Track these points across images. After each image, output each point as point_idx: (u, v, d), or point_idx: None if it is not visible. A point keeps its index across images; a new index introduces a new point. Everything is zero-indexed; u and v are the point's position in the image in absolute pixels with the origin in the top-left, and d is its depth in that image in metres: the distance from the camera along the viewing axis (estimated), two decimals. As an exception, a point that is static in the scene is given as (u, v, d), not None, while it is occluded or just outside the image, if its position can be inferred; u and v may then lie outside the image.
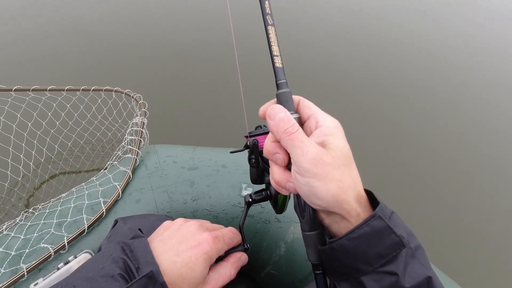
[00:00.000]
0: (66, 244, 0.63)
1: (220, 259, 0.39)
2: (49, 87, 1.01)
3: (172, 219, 0.56)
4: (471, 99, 2.30)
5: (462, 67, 2.60)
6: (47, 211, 0.73)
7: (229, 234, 0.40)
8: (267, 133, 0.38)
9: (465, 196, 1.67)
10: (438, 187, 1.69)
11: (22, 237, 0.66)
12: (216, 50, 2.19)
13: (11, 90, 0.99)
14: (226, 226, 0.73)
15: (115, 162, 0.87)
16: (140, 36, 2.24)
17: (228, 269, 0.38)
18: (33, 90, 1.01)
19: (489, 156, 1.89)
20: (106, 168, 0.88)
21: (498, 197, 1.69)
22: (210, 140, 1.63)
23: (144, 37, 2.24)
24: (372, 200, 0.33)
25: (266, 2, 0.35)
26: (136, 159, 0.80)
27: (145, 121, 0.92)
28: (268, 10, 0.35)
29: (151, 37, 2.25)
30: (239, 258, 0.40)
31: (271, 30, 0.35)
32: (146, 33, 2.28)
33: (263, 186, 0.44)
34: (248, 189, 0.74)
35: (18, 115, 1.13)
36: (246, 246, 0.42)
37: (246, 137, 0.41)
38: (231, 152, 0.45)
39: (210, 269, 0.37)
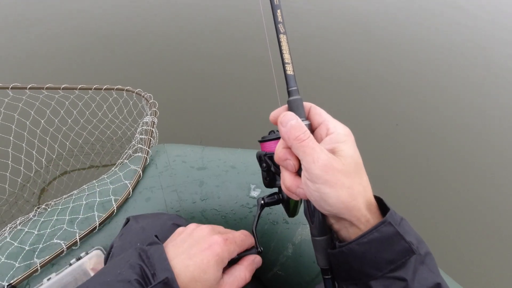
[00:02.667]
0: (78, 240, 0.65)
1: (234, 262, 0.39)
2: (63, 86, 1.03)
3: (183, 218, 0.57)
4: (487, 101, 2.26)
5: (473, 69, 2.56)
6: (60, 207, 0.75)
7: (241, 236, 0.40)
8: (279, 138, 0.38)
9: (470, 196, 1.66)
10: (442, 188, 1.68)
11: (36, 232, 0.68)
12: (228, 49, 2.20)
13: (26, 88, 1.01)
14: (234, 226, 0.74)
15: (126, 161, 0.88)
16: (152, 36, 2.26)
17: (243, 272, 0.38)
18: (47, 88, 1.03)
19: (490, 157, 1.87)
20: (117, 167, 0.89)
21: (502, 197, 1.67)
22: (219, 140, 1.64)
23: (156, 37, 2.26)
24: (382, 206, 0.33)
25: (278, 10, 0.35)
26: (146, 158, 0.81)
27: (155, 120, 0.93)
28: (280, 19, 0.35)
29: (163, 36, 2.27)
30: (253, 261, 0.40)
31: (282, 38, 0.35)
32: (158, 33, 2.30)
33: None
34: (257, 190, 0.75)
35: (32, 112, 1.15)
36: (259, 249, 0.42)
37: (260, 141, 0.41)
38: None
39: (224, 272, 0.37)
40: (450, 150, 1.88)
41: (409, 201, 1.60)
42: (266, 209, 0.73)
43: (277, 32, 0.36)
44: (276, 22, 0.36)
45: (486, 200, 1.66)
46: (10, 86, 1.00)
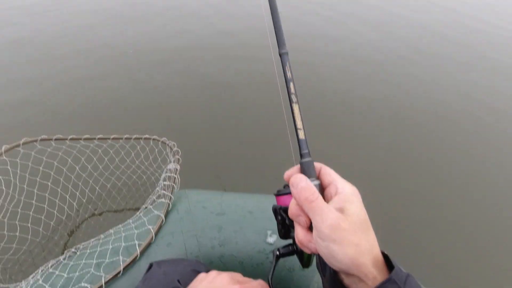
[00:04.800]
0: (103, 284, 0.68)
1: None
2: (98, 136, 1.15)
3: (203, 264, 0.60)
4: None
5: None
6: (88, 251, 0.80)
7: (258, 287, 0.42)
8: None
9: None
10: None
11: (65, 275, 0.72)
12: (248, 109, 2.30)
13: (66, 139, 1.13)
14: (251, 272, 0.75)
15: (150, 206, 0.94)
16: (177, 91, 2.44)
17: None
18: (85, 139, 1.15)
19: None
20: (141, 212, 0.95)
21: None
22: (238, 185, 1.68)
23: (181, 91, 2.43)
24: (389, 262, 0.35)
25: (291, 83, 0.41)
26: (169, 203, 0.86)
27: (178, 167, 1.00)
28: (292, 90, 0.41)
29: (187, 91, 2.44)
30: None
31: (295, 107, 0.41)
32: (181, 79, 2.49)
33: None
34: (273, 236, 0.77)
35: (69, 160, 1.27)
36: None
37: (275, 195, 0.45)
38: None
39: None
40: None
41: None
42: (283, 255, 0.74)
43: (290, 102, 0.41)
44: (289, 93, 0.41)
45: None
46: (54, 138, 1.13)
